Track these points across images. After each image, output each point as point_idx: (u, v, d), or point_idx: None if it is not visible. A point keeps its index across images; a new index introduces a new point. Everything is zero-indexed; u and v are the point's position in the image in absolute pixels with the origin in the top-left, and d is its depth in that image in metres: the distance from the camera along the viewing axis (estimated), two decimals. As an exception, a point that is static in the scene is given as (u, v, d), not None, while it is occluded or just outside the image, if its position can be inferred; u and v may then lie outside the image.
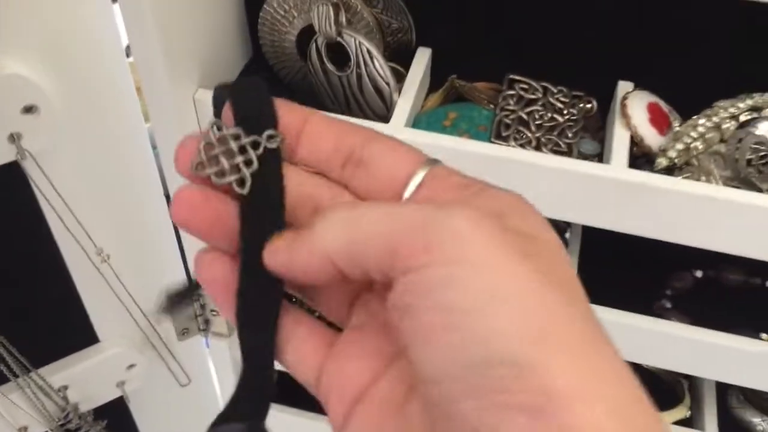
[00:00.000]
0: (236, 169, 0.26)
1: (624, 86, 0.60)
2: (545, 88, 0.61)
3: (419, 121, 0.62)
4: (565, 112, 0.60)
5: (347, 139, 0.27)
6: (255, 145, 0.26)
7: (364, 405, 0.25)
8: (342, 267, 0.24)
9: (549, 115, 0.60)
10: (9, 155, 0.56)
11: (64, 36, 0.55)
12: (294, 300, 0.27)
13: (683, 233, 0.55)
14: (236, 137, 0.26)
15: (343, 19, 0.58)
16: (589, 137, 0.61)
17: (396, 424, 0.24)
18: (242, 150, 0.26)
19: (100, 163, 0.63)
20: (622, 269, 0.66)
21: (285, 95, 0.27)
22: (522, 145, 0.58)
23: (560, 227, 0.69)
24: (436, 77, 0.65)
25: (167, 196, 0.70)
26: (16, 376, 0.67)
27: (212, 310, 0.79)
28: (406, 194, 0.26)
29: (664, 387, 0.77)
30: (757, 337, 0.64)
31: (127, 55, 0.60)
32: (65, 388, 0.73)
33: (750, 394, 0.76)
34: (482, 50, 0.64)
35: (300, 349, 0.27)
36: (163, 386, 0.82)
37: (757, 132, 0.55)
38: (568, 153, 0.58)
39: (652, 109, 0.58)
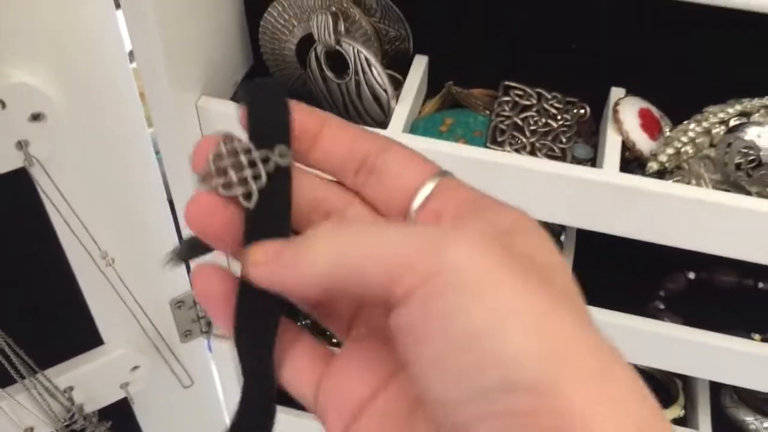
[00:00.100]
0: (244, 182, 0.25)
1: (616, 92, 0.61)
2: (539, 95, 0.61)
3: (416, 126, 0.62)
4: (559, 117, 0.60)
5: (362, 146, 0.26)
6: (265, 160, 0.25)
7: (363, 421, 0.24)
8: (328, 288, 0.23)
9: (543, 120, 0.60)
10: (17, 162, 0.57)
11: (69, 44, 0.55)
12: (302, 320, 0.27)
13: (674, 235, 0.55)
14: (247, 151, 0.25)
15: (341, 27, 0.59)
16: (582, 142, 0.61)
17: None
18: (252, 164, 0.25)
19: (105, 169, 0.64)
20: (615, 271, 0.66)
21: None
22: (517, 150, 0.59)
23: (555, 230, 0.70)
24: (433, 84, 0.66)
25: (170, 201, 0.70)
26: (22, 377, 0.67)
27: (214, 313, 0.80)
28: (415, 205, 0.25)
29: (658, 387, 0.77)
30: (749, 337, 0.65)
31: (131, 61, 0.60)
32: (71, 389, 0.73)
33: (743, 393, 0.76)
34: (478, 57, 0.65)
35: (297, 366, 0.26)
36: (167, 388, 0.83)
37: (746, 137, 0.56)
38: (562, 158, 0.59)
39: (644, 115, 0.59)
